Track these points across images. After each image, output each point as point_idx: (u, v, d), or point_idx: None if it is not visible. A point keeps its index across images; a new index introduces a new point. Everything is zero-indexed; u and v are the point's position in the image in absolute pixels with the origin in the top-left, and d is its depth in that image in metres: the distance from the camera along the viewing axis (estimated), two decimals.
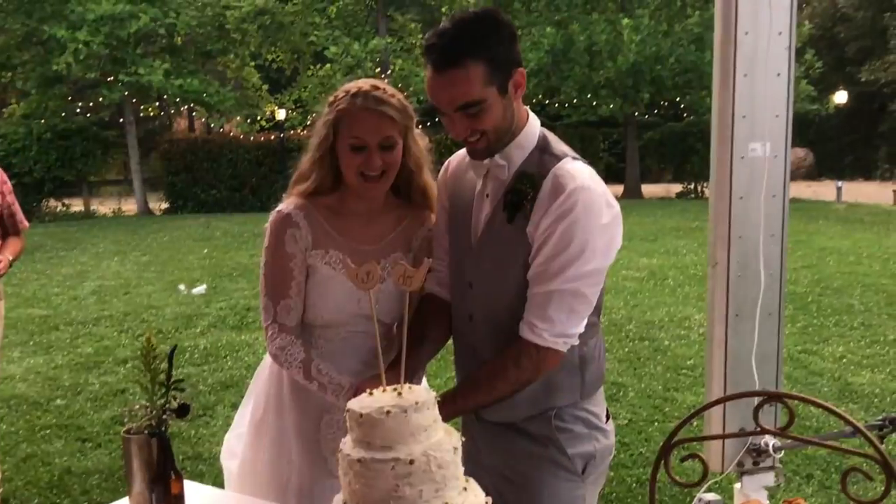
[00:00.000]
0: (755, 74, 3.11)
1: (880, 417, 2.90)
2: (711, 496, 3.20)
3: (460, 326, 2.29)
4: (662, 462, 1.50)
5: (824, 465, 4.74)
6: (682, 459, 1.68)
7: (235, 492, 2.65)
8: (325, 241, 2.37)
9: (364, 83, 2.32)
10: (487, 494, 2.18)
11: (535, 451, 2.18)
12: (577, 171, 2.04)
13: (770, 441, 3.12)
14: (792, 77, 3.17)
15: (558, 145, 2.14)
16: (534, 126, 2.15)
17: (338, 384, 2.27)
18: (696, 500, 3.33)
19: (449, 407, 2.07)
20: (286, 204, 2.40)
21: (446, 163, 2.41)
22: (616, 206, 2.07)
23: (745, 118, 3.13)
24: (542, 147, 2.13)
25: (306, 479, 2.45)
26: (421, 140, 2.41)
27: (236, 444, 2.68)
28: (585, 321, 2.08)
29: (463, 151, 2.28)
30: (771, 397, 1.46)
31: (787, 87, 3.16)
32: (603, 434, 2.23)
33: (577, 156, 2.12)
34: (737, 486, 3.33)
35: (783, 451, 3.20)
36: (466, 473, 2.14)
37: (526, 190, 2.07)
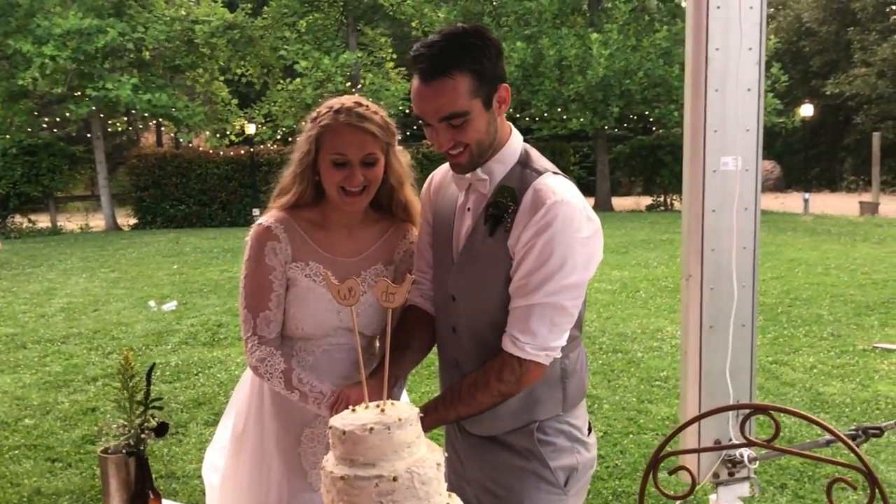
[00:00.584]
0: (726, 90, 3.15)
1: (853, 427, 2.93)
2: None
3: (444, 339, 2.31)
4: (651, 475, 1.51)
5: (798, 475, 4.78)
6: (671, 472, 1.69)
7: None
8: (306, 253, 2.38)
9: (347, 99, 2.34)
10: None
11: (517, 463, 2.19)
12: (557, 186, 2.06)
13: (745, 452, 3.14)
14: (762, 92, 3.22)
15: (540, 161, 2.16)
16: (516, 142, 2.18)
17: (319, 392, 2.27)
18: None
19: (431, 417, 2.09)
20: (267, 217, 2.41)
21: (430, 178, 2.43)
22: (596, 220, 2.09)
23: (717, 132, 3.17)
24: (524, 162, 2.15)
25: (285, 492, 2.45)
26: (403, 156, 2.43)
27: (218, 458, 2.68)
28: (567, 334, 2.09)
29: (446, 166, 2.30)
30: (757, 410, 1.48)
31: (757, 102, 3.20)
32: (584, 447, 2.24)
33: (558, 171, 2.14)
34: (712, 496, 3.35)
35: (758, 462, 3.23)
36: (450, 487, 2.14)
37: (506, 203, 2.09)
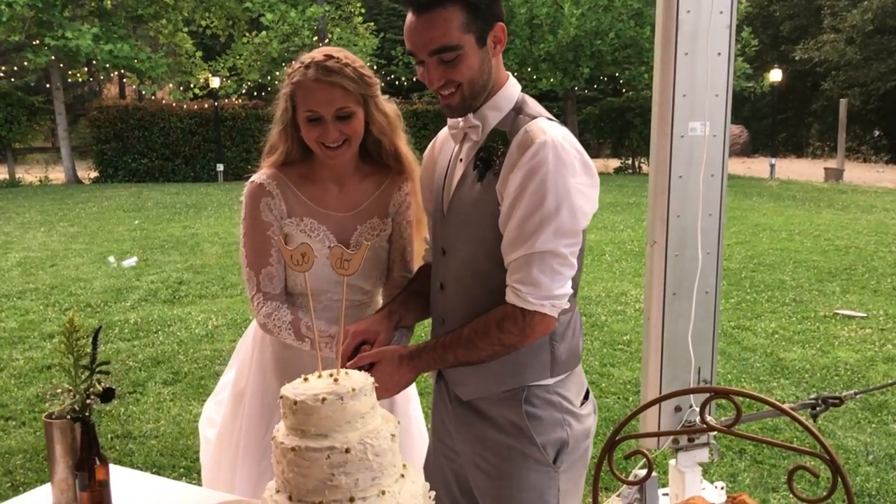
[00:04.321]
0: (696, 53, 3.10)
1: (813, 396, 2.94)
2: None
3: (433, 296, 2.25)
4: (606, 460, 1.47)
5: None
6: (627, 456, 1.65)
7: (212, 460, 2.66)
8: (299, 208, 2.39)
9: (318, 53, 2.30)
10: (461, 476, 2.17)
11: (505, 441, 2.10)
12: (550, 127, 1.96)
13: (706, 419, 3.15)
14: (732, 56, 3.18)
15: (536, 107, 2.08)
16: (513, 88, 2.09)
17: (329, 336, 2.31)
18: (631, 475, 3.36)
19: (428, 355, 2.05)
20: (259, 174, 2.43)
21: (432, 142, 2.36)
22: (593, 166, 2.00)
23: (686, 97, 3.12)
24: (519, 109, 2.06)
25: None
26: (388, 105, 2.39)
27: (215, 413, 2.71)
28: (570, 283, 1.99)
29: (446, 129, 2.22)
30: (717, 394, 1.44)
31: (727, 67, 3.16)
32: (576, 419, 2.13)
33: (553, 118, 2.05)
34: (672, 461, 3.37)
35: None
36: (438, 455, 2.10)
37: (497, 146, 2.01)
